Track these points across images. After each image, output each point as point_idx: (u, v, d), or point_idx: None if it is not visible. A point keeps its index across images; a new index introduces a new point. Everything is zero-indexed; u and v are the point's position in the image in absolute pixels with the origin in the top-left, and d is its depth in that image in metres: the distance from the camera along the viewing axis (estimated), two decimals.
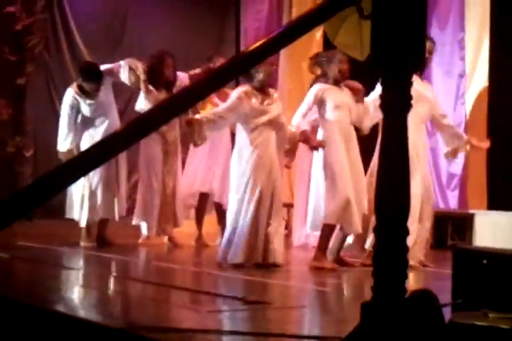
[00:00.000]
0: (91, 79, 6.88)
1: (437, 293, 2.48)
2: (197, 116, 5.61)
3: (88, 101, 6.92)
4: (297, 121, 5.67)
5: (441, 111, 6.14)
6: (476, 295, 2.90)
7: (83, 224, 6.80)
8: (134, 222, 6.92)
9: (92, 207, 6.80)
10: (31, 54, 9.07)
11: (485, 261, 2.94)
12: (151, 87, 6.86)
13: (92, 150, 2.32)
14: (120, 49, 9.22)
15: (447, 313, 2.65)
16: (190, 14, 10.02)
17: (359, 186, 5.55)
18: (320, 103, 5.66)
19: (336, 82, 5.70)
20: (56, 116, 7.13)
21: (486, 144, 6.33)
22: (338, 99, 5.65)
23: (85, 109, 6.94)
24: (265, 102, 5.63)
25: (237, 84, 6.82)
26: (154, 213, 6.83)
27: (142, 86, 6.86)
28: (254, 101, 5.58)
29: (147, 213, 6.85)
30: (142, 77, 6.82)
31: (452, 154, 6.25)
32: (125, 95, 8.17)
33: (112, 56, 7.88)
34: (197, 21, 10.02)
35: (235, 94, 5.63)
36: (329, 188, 5.47)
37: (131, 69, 6.84)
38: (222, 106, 5.76)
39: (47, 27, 9.32)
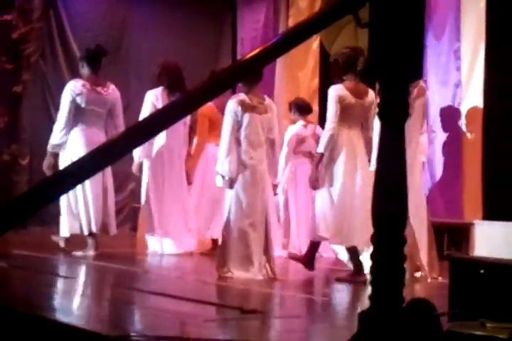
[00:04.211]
0: None
1: (435, 302, 2.48)
2: None
3: None
4: None
5: None
6: (474, 305, 2.89)
7: (87, 232, 6.71)
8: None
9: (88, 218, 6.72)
10: (27, 62, 9.08)
11: (482, 271, 2.94)
12: None
13: (88, 157, 2.31)
14: (117, 59, 9.23)
15: (445, 323, 2.65)
16: (188, 24, 10.04)
17: None
18: None
19: None
20: (52, 123, 7.10)
21: None
22: None
23: None
24: None
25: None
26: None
27: None
28: None
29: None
30: None
31: None
32: (124, 101, 8.16)
33: (109, 66, 7.86)
34: (194, 31, 10.04)
35: None
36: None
37: None
38: None
39: (43, 35, 9.34)
